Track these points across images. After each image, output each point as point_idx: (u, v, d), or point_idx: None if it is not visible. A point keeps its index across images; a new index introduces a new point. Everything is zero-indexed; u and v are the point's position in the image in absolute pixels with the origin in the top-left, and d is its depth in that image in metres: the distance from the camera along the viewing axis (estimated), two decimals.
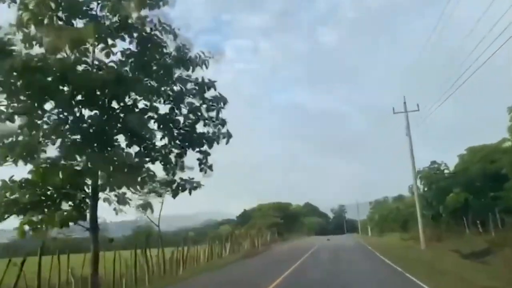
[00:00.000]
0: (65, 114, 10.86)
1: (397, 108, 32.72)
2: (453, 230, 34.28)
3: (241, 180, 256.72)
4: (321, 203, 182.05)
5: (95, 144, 10.84)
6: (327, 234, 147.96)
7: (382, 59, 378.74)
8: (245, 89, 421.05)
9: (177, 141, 12.48)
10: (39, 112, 10.29)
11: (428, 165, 36.79)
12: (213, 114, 12.64)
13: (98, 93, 10.76)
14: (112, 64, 11.08)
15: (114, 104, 11.38)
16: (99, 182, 11.05)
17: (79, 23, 11.00)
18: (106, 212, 12.33)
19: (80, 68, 10.57)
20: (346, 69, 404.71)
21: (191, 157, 12.66)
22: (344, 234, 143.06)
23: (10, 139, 10.00)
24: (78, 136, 10.76)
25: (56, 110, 10.73)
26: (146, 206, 12.11)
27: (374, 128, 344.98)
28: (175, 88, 12.39)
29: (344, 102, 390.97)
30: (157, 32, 11.58)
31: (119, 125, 11.30)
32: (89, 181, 11.14)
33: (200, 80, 12.36)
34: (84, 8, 10.93)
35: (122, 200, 11.63)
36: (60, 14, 10.69)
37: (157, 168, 12.03)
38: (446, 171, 36.41)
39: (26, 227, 9.93)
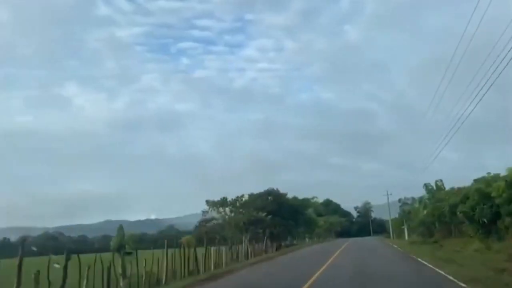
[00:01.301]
0: None
1: None
2: None
3: (261, 177, 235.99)
4: (343, 201, 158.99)
5: None
6: (350, 236, 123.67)
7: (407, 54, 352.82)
8: (268, 88, 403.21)
9: None
10: None
11: None
12: None
13: None
14: None
15: None
16: None
17: None
18: None
19: None
20: (372, 66, 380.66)
21: None
22: (369, 236, 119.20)
23: None
24: None
25: None
26: None
27: (401, 125, 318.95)
28: None
29: (371, 100, 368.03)
30: None
31: None
32: None
33: None
34: None
35: None
36: None
37: None
38: None
39: None
